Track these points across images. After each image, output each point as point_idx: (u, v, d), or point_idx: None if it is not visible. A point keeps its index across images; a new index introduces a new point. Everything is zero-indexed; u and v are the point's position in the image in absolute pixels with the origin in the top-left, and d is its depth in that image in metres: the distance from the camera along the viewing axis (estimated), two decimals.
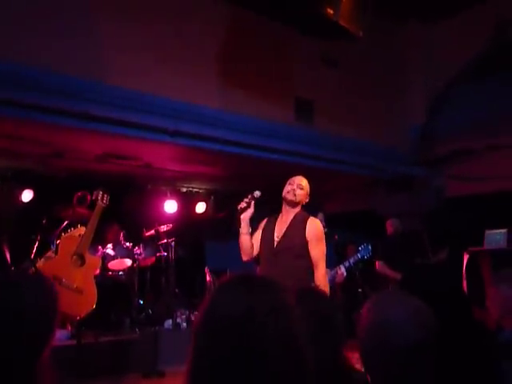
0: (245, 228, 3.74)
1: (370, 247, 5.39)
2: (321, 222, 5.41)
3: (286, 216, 3.83)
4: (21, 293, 1.52)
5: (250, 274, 1.20)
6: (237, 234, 3.84)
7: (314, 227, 3.84)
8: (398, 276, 5.45)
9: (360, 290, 6.78)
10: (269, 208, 3.94)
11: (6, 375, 1.39)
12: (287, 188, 3.82)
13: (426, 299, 1.50)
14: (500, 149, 6.57)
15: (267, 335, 1.05)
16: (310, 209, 4.01)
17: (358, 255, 5.35)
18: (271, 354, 1.04)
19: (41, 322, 1.51)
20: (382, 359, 1.42)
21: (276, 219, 3.89)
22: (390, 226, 6.39)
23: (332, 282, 5.19)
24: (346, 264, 5.21)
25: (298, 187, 3.81)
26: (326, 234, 5.34)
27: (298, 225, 3.83)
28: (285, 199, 3.82)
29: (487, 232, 6.22)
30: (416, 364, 1.40)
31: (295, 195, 3.76)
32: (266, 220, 3.94)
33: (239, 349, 1.04)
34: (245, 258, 3.79)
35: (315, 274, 3.73)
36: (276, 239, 3.78)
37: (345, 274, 5.18)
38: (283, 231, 3.77)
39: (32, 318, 1.49)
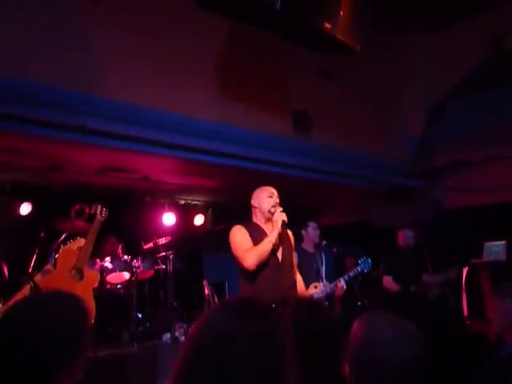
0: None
1: (369, 260, 5.34)
2: (314, 229, 5.42)
3: (267, 228, 3.71)
4: (54, 311, 1.58)
5: (248, 299, 1.22)
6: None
7: (292, 238, 3.91)
8: None
9: (359, 303, 6.74)
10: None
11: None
12: (270, 202, 3.69)
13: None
14: (499, 160, 6.51)
15: (245, 359, 1.05)
16: (304, 219, 4.00)
17: (358, 268, 5.29)
18: (248, 378, 1.04)
19: (70, 339, 1.56)
20: (373, 379, 1.42)
21: (261, 229, 3.73)
22: (402, 238, 6.20)
23: (332, 295, 5.18)
24: (346, 277, 5.18)
25: (278, 198, 3.75)
26: (325, 245, 5.33)
27: (287, 236, 3.81)
28: (269, 213, 3.68)
29: (486, 244, 6.19)
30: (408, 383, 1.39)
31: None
32: (244, 229, 3.70)
33: (218, 368, 1.05)
34: (253, 267, 3.49)
35: (298, 283, 3.81)
36: (279, 252, 3.68)
37: (344, 287, 5.15)
38: (280, 244, 3.70)
39: (62, 335, 1.54)
